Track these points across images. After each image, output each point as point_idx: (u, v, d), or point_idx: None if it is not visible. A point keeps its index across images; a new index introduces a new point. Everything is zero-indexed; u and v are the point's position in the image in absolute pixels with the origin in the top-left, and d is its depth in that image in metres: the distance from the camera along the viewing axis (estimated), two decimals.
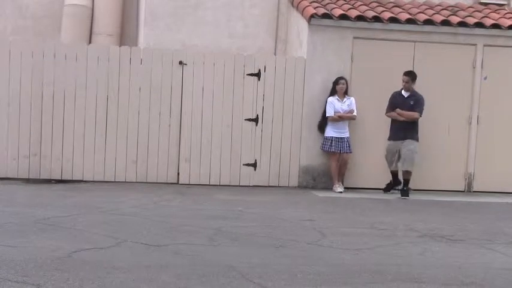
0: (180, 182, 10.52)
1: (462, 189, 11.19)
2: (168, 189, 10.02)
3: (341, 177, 10.60)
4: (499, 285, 5.54)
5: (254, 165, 10.70)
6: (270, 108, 10.71)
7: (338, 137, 10.39)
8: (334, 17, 10.74)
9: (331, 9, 10.95)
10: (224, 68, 10.59)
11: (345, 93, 10.48)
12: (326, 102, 10.46)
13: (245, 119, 10.66)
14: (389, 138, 10.32)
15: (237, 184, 10.65)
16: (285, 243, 6.71)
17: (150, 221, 7.46)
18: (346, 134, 10.45)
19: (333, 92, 10.46)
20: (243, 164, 10.67)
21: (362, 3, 11.47)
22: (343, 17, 10.75)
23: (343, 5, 11.29)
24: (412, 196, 10.30)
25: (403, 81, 10.14)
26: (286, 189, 10.56)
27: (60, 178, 10.24)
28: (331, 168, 10.54)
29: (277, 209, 8.76)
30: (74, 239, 6.39)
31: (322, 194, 10.16)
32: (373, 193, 10.49)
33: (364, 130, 10.68)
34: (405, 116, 10.13)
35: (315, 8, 10.88)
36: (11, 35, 12.31)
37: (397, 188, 10.44)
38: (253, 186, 10.64)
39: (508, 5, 12.43)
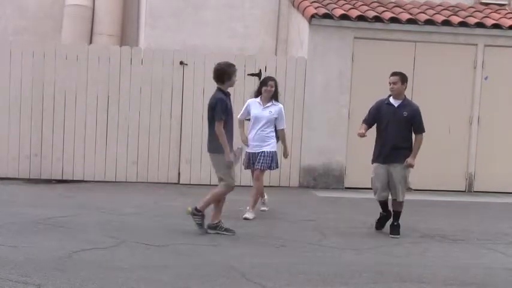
0: (180, 182, 10.51)
1: (463, 189, 11.18)
2: (169, 189, 10.01)
3: (253, 203, 8.19)
4: (499, 285, 5.54)
5: None
6: None
7: (253, 152, 8.27)
8: (334, 17, 10.73)
9: (332, 9, 10.94)
10: None
11: (274, 98, 8.20)
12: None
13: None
14: (376, 161, 7.79)
15: (238, 184, 10.60)
16: (285, 243, 6.71)
17: (151, 221, 7.47)
18: (267, 148, 8.17)
19: (258, 94, 8.25)
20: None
21: (363, 3, 11.46)
22: (344, 17, 10.74)
23: (343, 5, 11.28)
24: (413, 196, 10.25)
25: (390, 83, 7.49)
26: (287, 189, 10.55)
27: (61, 178, 10.24)
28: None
29: (277, 208, 8.76)
30: (74, 239, 6.40)
31: (322, 194, 10.16)
32: (373, 193, 10.47)
33: None
34: (417, 149, 7.77)
35: (315, 8, 10.88)
36: (11, 36, 12.31)
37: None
38: None
39: (509, 5, 12.41)
